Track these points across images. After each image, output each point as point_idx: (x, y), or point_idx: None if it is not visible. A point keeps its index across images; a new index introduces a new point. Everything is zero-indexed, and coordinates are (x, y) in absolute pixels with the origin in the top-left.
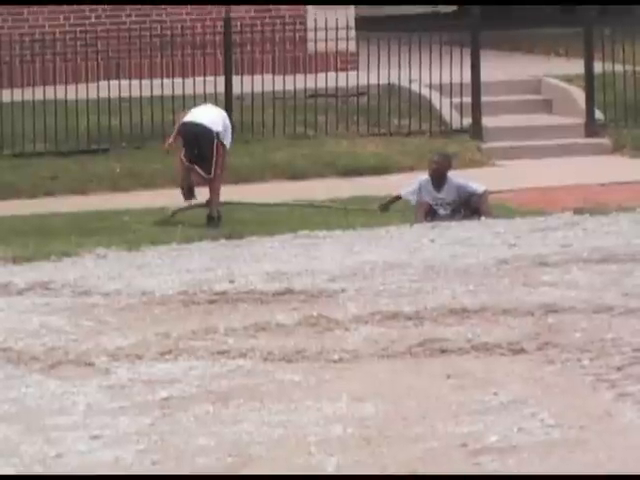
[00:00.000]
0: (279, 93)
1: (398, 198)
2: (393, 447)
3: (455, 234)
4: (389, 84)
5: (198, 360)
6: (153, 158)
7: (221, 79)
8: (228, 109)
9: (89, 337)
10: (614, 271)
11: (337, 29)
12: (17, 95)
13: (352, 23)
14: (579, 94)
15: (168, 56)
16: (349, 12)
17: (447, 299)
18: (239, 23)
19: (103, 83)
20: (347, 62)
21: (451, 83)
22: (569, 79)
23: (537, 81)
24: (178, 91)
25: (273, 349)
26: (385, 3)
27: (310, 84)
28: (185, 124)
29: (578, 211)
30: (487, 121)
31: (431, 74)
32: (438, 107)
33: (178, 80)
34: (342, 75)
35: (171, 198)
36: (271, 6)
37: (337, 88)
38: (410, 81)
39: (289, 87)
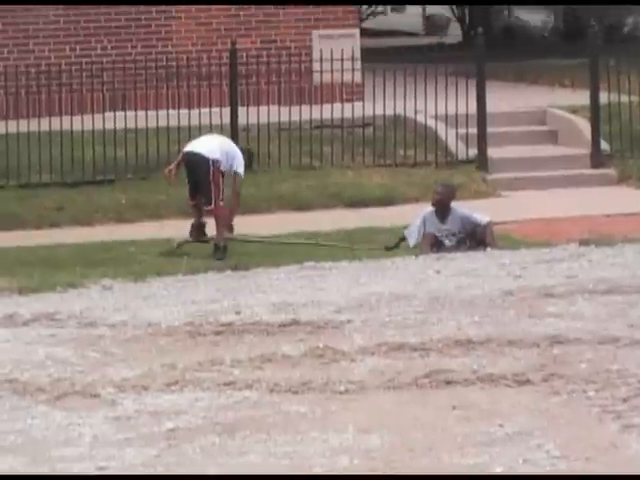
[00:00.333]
0: (285, 124)
1: (404, 239)
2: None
3: (460, 265)
4: (395, 115)
5: (204, 391)
6: (158, 189)
7: (227, 110)
8: (234, 140)
9: (95, 368)
10: (619, 302)
11: (342, 60)
12: (23, 126)
13: (358, 54)
14: (584, 125)
15: (174, 87)
16: (355, 43)
17: (453, 330)
18: (245, 54)
19: (109, 114)
20: (353, 93)
21: (456, 114)
22: (574, 110)
23: (542, 112)
24: (184, 122)
25: (279, 380)
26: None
27: (316, 115)
28: (185, 153)
29: (583, 242)
30: (492, 152)
31: (437, 105)
32: (444, 138)
33: (184, 111)
34: (348, 106)
35: (177, 229)
36: (276, 37)
37: (343, 119)
38: (416, 112)
39: (295, 118)
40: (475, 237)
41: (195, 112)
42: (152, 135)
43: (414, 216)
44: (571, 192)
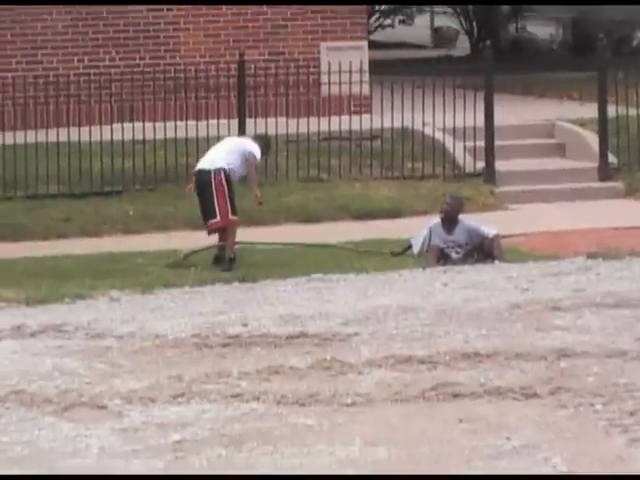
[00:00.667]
0: (292, 136)
1: (410, 247)
2: None
3: (468, 278)
4: (402, 127)
5: (211, 403)
6: (166, 200)
7: (234, 122)
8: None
9: (102, 380)
10: (627, 316)
11: (351, 72)
12: (31, 137)
13: (366, 66)
14: (592, 138)
15: (182, 99)
16: (363, 55)
17: (460, 343)
18: (253, 66)
19: (117, 125)
20: (361, 105)
21: (464, 127)
22: (582, 123)
23: (550, 125)
24: (192, 134)
25: (286, 393)
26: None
27: (323, 127)
28: (195, 174)
29: (591, 255)
30: (500, 165)
31: (445, 118)
32: (451, 151)
33: (192, 123)
34: (355, 118)
35: (184, 241)
36: (285, 49)
37: (350, 131)
38: (423, 124)
39: (302, 130)
40: (482, 250)
41: (203, 124)
42: (160, 147)
43: (421, 228)
44: (578, 205)
